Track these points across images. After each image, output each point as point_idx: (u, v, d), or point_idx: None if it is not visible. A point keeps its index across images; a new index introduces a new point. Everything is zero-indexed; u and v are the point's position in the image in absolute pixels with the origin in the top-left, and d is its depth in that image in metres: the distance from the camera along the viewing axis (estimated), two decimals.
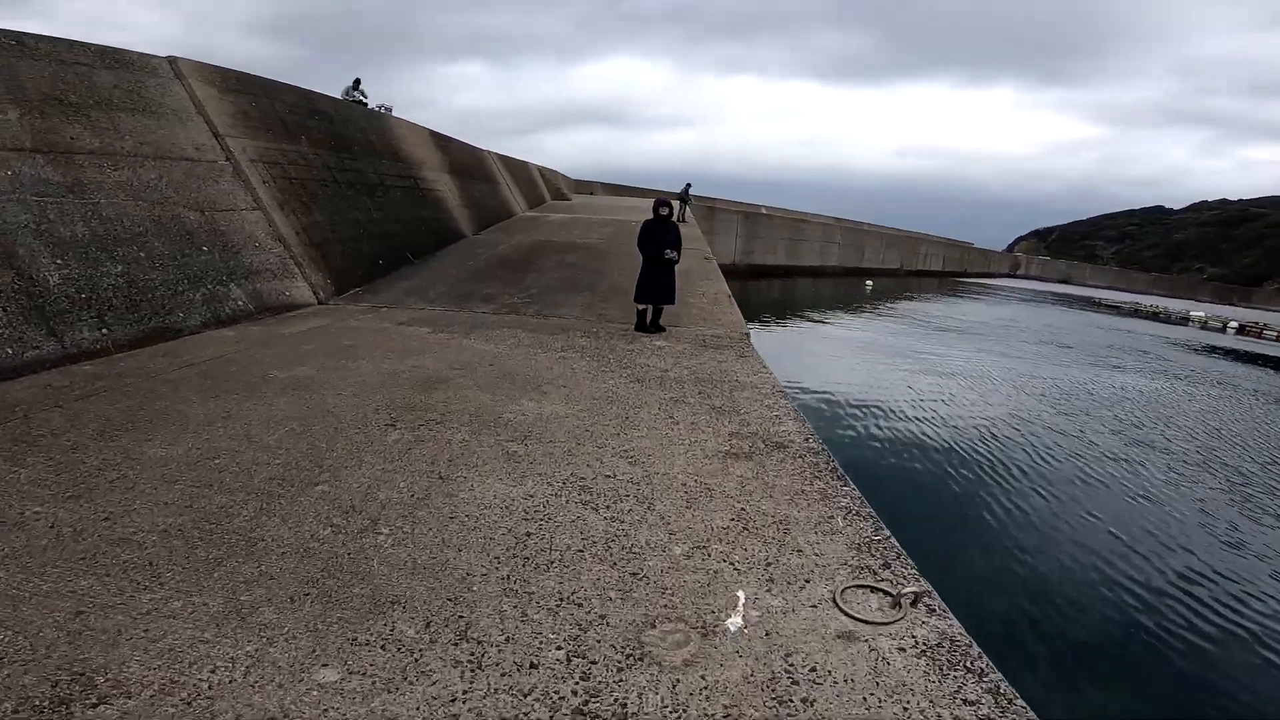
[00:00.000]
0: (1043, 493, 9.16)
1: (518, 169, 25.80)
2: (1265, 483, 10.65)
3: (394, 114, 15.74)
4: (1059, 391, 15.13)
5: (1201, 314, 48.02)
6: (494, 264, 11.19)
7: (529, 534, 2.97)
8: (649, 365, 5.81)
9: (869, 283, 38.50)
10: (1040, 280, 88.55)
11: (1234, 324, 44.38)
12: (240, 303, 7.20)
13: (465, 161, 18.36)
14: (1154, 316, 48.42)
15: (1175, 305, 57.76)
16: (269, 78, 10.02)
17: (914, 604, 2.62)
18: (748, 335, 7.53)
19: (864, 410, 12.16)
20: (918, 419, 11.95)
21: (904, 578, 2.78)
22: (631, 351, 6.31)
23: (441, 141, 17.01)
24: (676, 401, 4.78)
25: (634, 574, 2.71)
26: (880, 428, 11.34)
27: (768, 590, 2.64)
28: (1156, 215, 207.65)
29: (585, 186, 43.67)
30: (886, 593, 2.67)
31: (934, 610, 2.59)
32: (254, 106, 9.23)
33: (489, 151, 22.64)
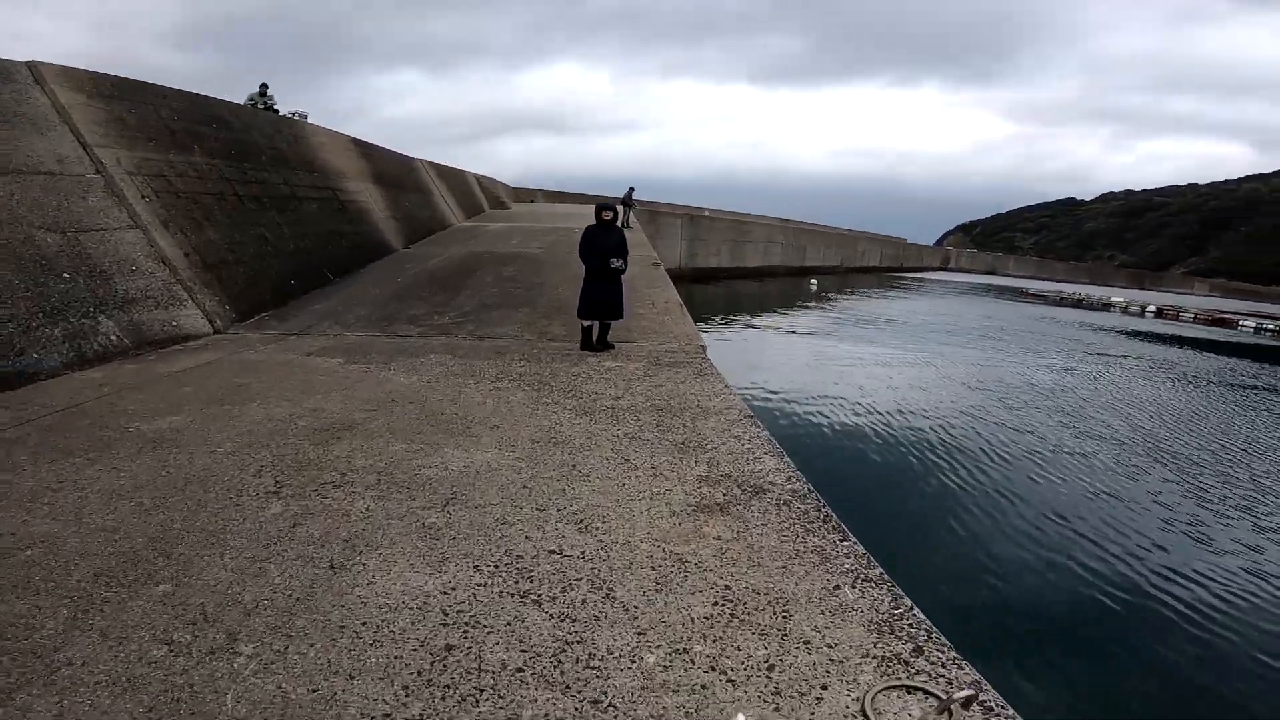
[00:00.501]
0: (1023, 491, 8.94)
1: (453, 178, 24.67)
2: (1210, 467, 10.78)
3: (310, 121, 14.53)
4: (1006, 386, 15.22)
5: (1121, 299, 50.61)
6: (424, 280, 10.25)
7: (449, 647, 2.21)
8: (598, 392, 5.09)
9: (813, 281, 38.82)
10: (969, 272, 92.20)
11: (1152, 308, 46.87)
12: (113, 337, 6.11)
13: (393, 171, 17.23)
14: (1077, 304, 50.65)
15: (1095, 292, 60.84)
16: (154, 82, 8.85)
17: (966, 707, 1.99)
18: (703, 349, 6.91)
19: (825, 415, 11.80)
20: (877, 419, 11.66)
21: (943, 666, 2.16)
22: (577, 376, 5.58)
23: (365, 150, 15.86)
24: (632, 439, 4.08)
25: (595, 702, 1.99)
26: (841, 430, 10.98)
27: (775, 708, 1.97)
28: (1068, 206, 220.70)
29: (526, 195, 42.59)
30: (929, 693, 2.04)
31: (993, 712, 1.98)
32: (132, 114, 8.07)
33: (421, 160, 21.48)
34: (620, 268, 6.31)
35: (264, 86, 14.78)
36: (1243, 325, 41.33)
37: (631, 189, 20.26)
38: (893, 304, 34.76)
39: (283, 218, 9.92)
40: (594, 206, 6.59)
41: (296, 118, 14.50)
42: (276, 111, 14.32)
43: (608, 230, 6.38)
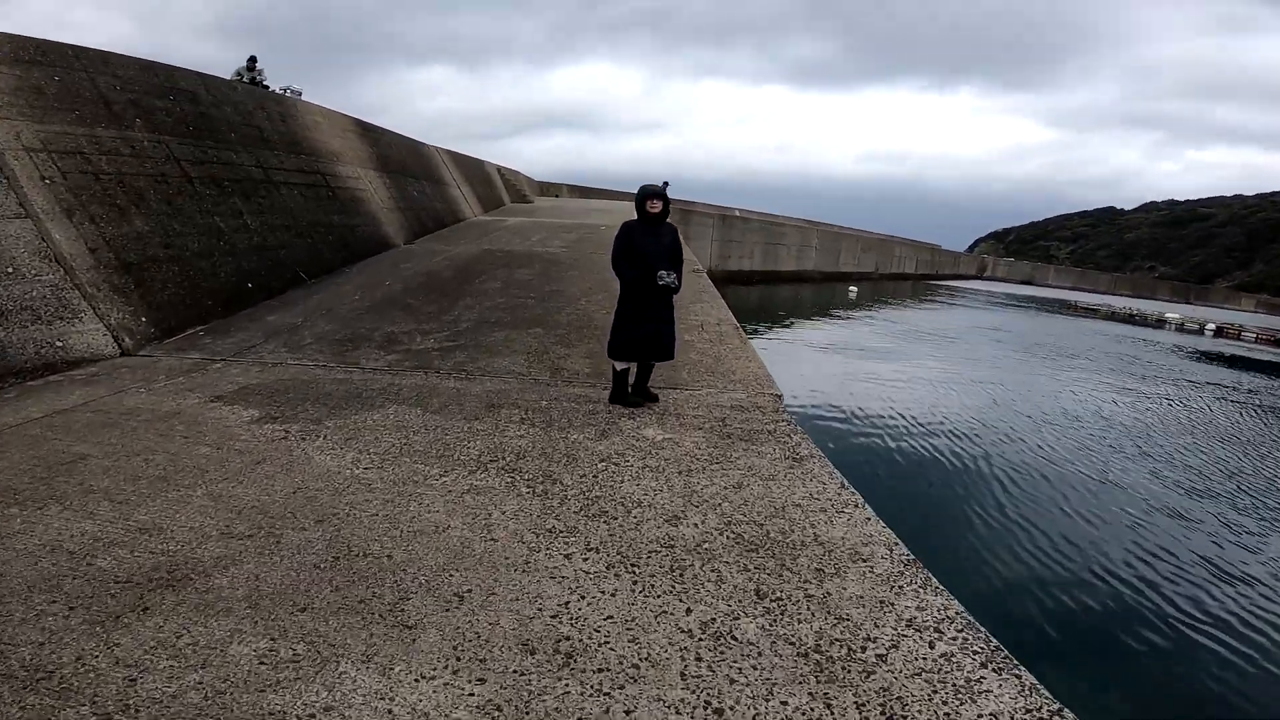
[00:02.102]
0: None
1: (471, 168, 22.91)
2: None
3: (305, 99, 12.80)
4: (1111, 419, 13.00)
5: (1176, 316, 47.37)
6: (418, 284, 8.38)
7: None
8: (642, 502, 3.12)
9: (853, 288, 36.43)
10: (1006, 281, 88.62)
11: (1211, 325, 43.71)
12: None
13: (401, 157, 15.45)
14: (1129, 319, 47.57)
15: (1142, 305, 57.48)
16: (97, 48, 7.10)
17: None
18: (779, 398, 4.93)
19: (923, 450, 9.77)
20: (988, 457, 9.60)
21: None
22: (607, 461, 3.62)
23: (369, 132, 14.09)
24: (719, 640, 2.10)
25: None
26: (948, 472, 8.96)
27: None
28: (1108, 216, 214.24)
29: (550, 189, 40.81)
30: None
31: None
32: (54, 81, 6.30)
33: (437, 147, 19.74)
34: (673, 284, 4.36)
35: (252, 60, 13.09)
36: None
37: (666, 183, 18.23)
38: (939, 315, 32.33)
39: (248, 205, 8.12)
40: (635, 194, 4.55)
41: (289, 94, 12.77)
42: (265, 87, 12.61)
43: (655, 228, 4.44)
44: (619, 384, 4.55)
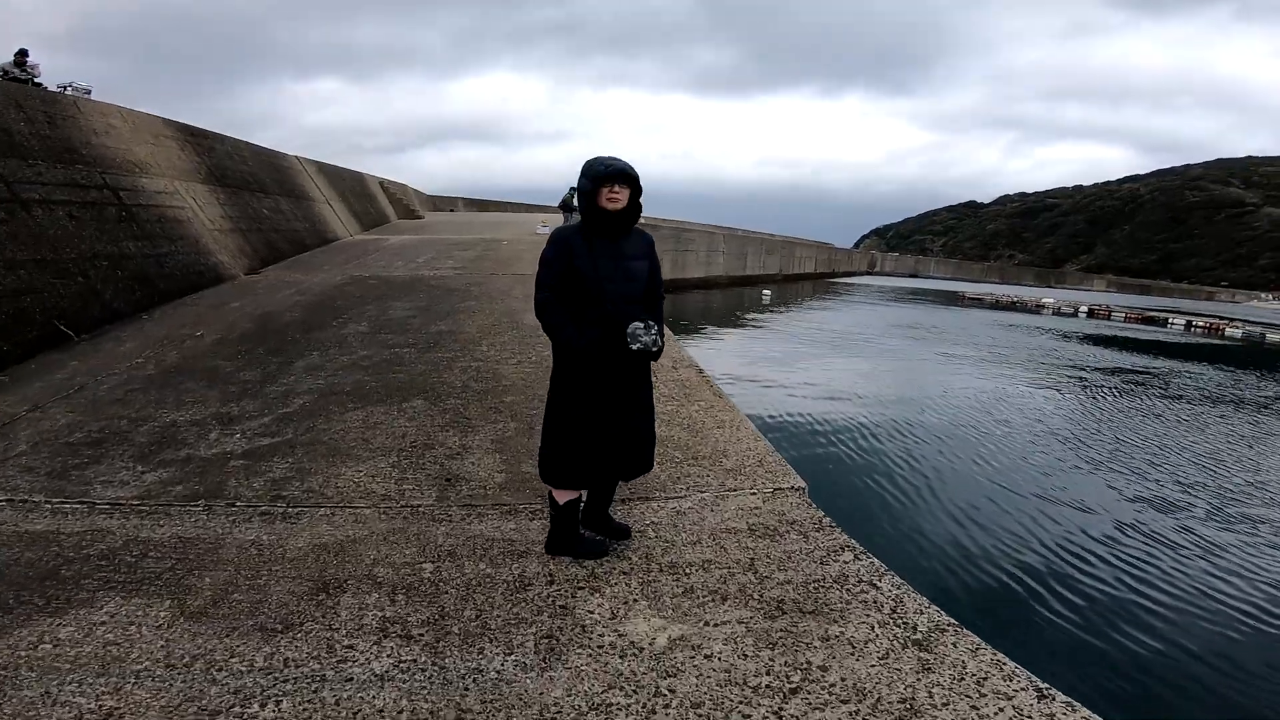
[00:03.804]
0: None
1: (345, 181, 19.95)
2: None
3: (95, 98, 9.85)
4: (1066, 413, 12.35)
5: (1052, 300, 50.82)
6: (240, 334, 5.97)
7: None
8: None
9: (766, 292, 35.87)
10: (894, 275, 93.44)
11: (1084, 308, 47.06)
12: None
13: (244, 169, 12.59)
14: (1012, 306, 50.52)
15: (1018, 291, 61.75)
16: None
17: None
18: (803, 490, 3.17)
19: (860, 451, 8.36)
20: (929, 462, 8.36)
21: None
22: None
23: (197, 138, 11.22)
24: None
25: None
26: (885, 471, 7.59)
27: None
28: (971, 209, 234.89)
29: (445, 203, 37.74)
30: None
31: None
32: None
33: (300, 157, 16.77)
34: (654, 346, 2.42)
35: (21, 54, 9.98)
36: (1172, 324, 41.81)
37: (573, 189, 16.39)
38: (854, 315, 32.35)
39: None
40: (580, 178, 2.44)
41: (71, 93, 9.77)
42: (37, 85, 9.57)
43: (616, 240, 2.46)
44: (564, 523, 2.56)
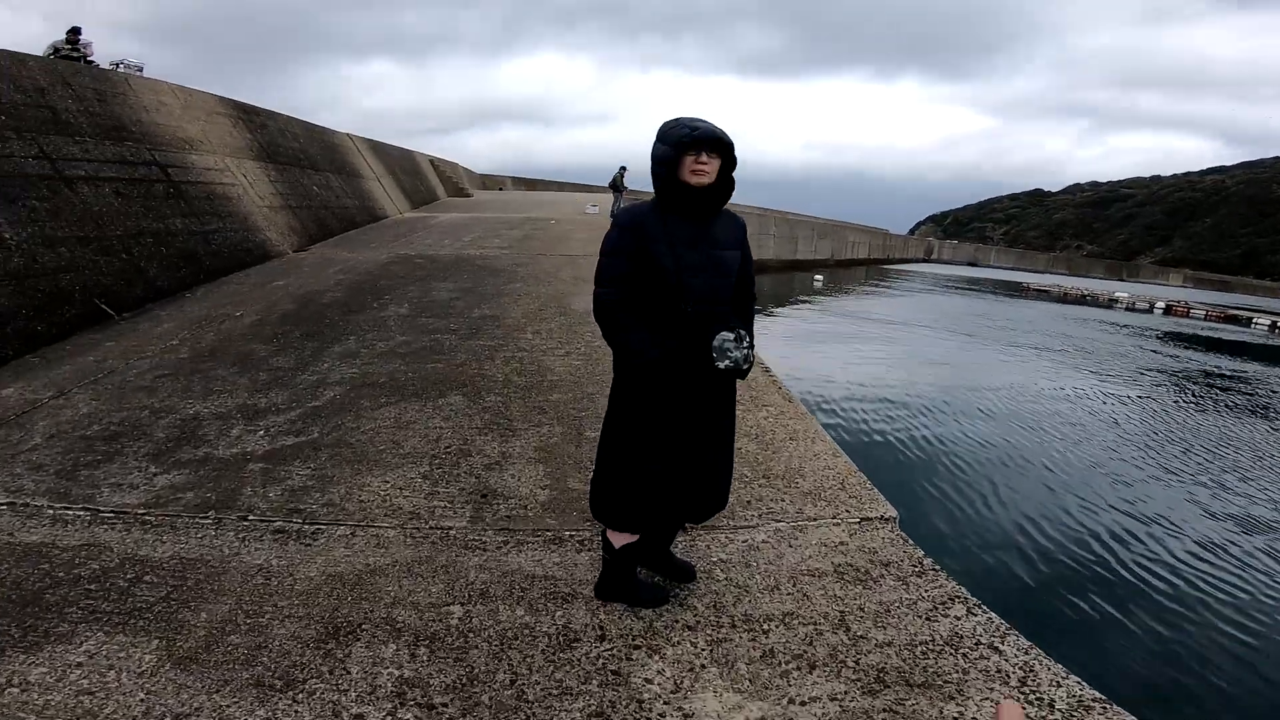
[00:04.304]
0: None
1: (395, 159, 19.93)
2: None
3: (147, 76, 9.82)
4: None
5: (1126, 295, 47.82)
6: (279, 315, 5.73)
7: None
8: None
9: (818, 277, 34.64)
10: (951, 263, 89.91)
11: (1160, 304, 44.20)
12: None
13: (296, 145, 12.52)
14: (1081, 300, 47.83)
15: (1089, 284, 58.45)
16: None
17: None
18: (895, 521, 2.66)
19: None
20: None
21: None
22: None
23: (249, 115, 11.16)
24: None
25: None
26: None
27: None
28: (1036, 198, 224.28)
29: (493, 181, 37.70)
30: None
31: None
32: None
33: (352, 135, 16.75)
34: (744, 361, 1.88)
35: (74, 32, 9.98)
36: (1257, 324, 38.81)
37: (623, 169, 15.85)
38: (923, 302, 31.00)
39: (6, 212, 5.31)
40: (658, 140, 1.88)
41: (121, 70, 9.74)
42: (90, 63, 9.58)
43: (703, 221, 1.92)
44: (620, 569, 2.11)
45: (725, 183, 1.92)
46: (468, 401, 3.83)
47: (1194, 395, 14.66)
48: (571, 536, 2.55)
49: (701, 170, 1.84)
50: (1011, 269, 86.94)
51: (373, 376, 4.23)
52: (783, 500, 2.83)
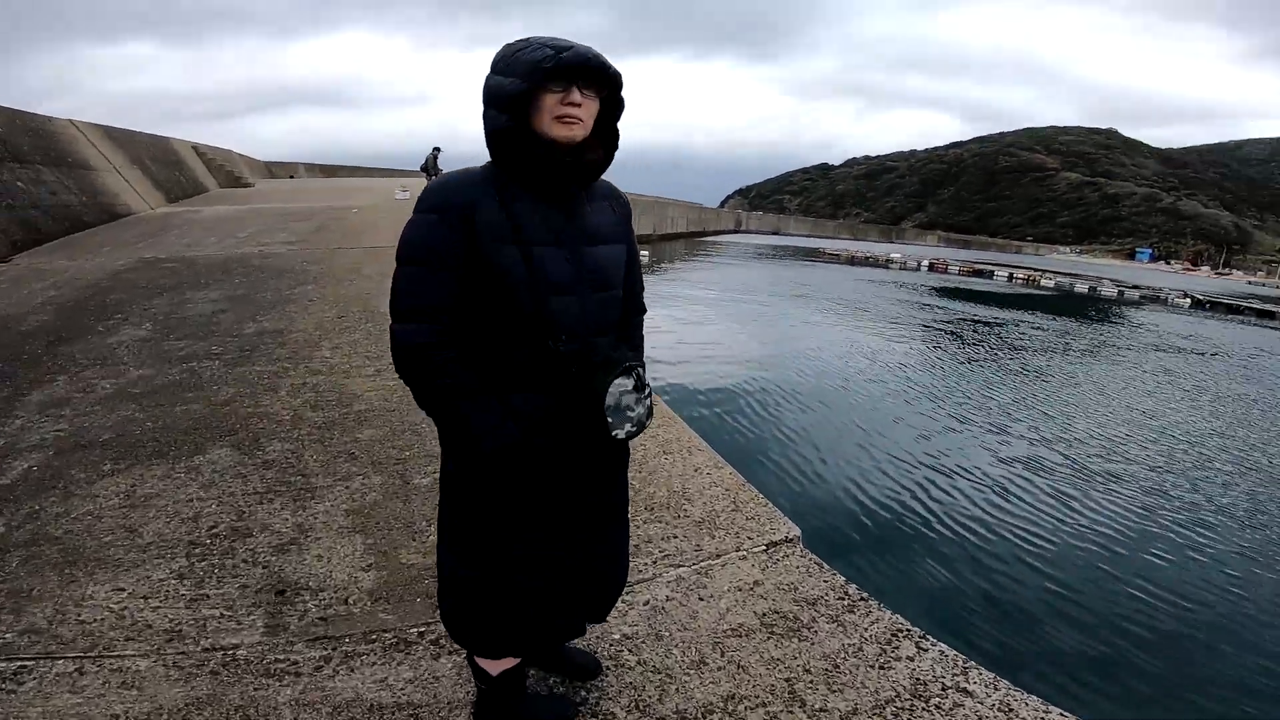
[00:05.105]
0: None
1: (145, 146, 16.40)
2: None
3: None
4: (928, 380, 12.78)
5: (899, 255, 55.04)
6: None
7: None
8: None
9: (644, 252, 35.24)
10: (758, 233, 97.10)
11: (925, 262, 51.37)
12: None
13: None
14: (865, 262, 54.09)
15: (869, 248, 66.45)
16: None
17: None
18: (797, 541, 2.35)
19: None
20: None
21: None
22: None
23: None
24: None
25: None
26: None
27: None
28: (823, 171, 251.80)
29: (284, 169, 33.01)
30: None
31: None
32: None
33: (73, 121, 13.35)
34: (646, 418, 1.29)
35: None
36: (997, 275, 47.02)
37: (437, 150, 14.33)
38: (737, 273, 32.66)
39: None
40: (499, 62, 1.20)
41: None
42: None
43: (564, 199, 1.26)
44: (501, 696, 1.46)
45: (608, 139, 1.30)
46: (240, 456, 2.88)
47: (964, 343, 17.00)
48: (421, 635, 1.87)
49: (573, 116, 1.19)
50: (808, 236, 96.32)
51: (91, 433, 3.06)
52: (675, 537, 2.37)
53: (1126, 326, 25.47)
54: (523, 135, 1.19)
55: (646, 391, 1.27)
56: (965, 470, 7.37)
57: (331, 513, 2.48)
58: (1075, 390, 12.58)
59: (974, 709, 1.67)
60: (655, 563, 2.21)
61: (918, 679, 1.76)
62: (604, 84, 1.22)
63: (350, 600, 2.02)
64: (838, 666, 1.79)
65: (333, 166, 36.18)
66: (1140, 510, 6.68)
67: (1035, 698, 1.73)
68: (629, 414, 1.24)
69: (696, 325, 14.14)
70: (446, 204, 1.19)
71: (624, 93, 1.27)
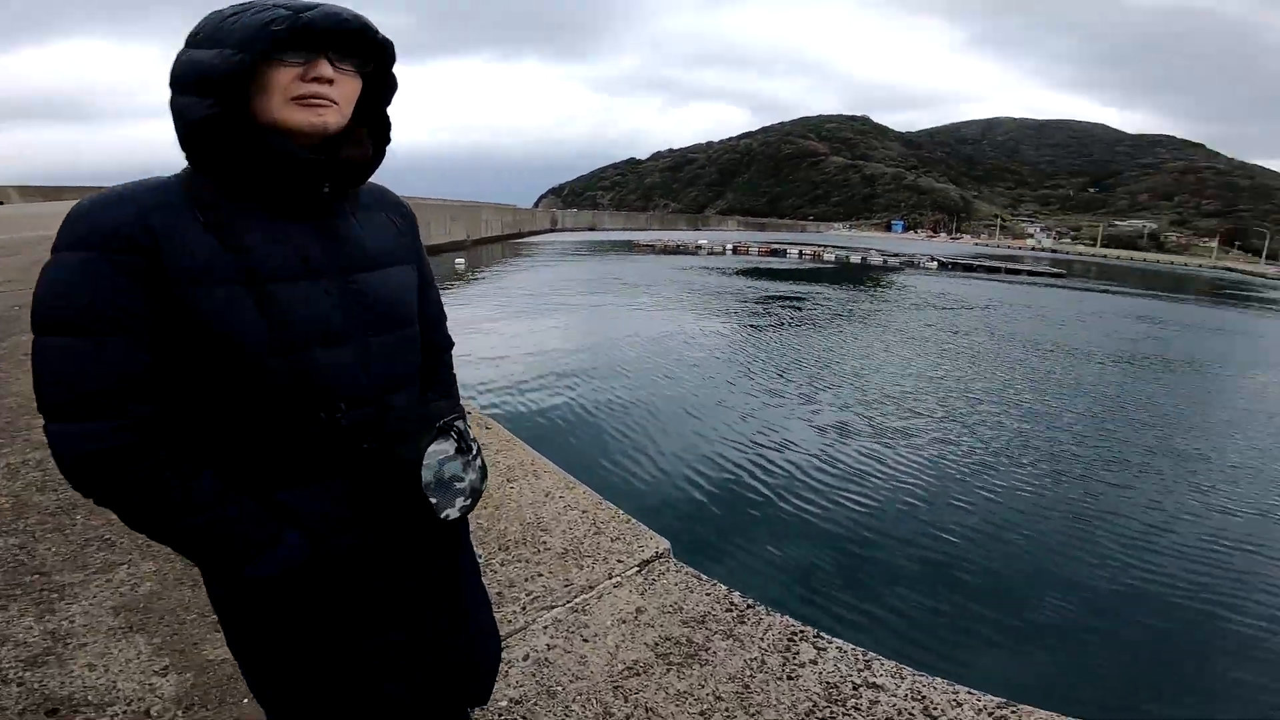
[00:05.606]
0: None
1: None
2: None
3: None
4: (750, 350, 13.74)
5: (705, 242, 58.83)
6: None
7: None
8: None
9: (459, 260, 33.62)
10: (574, 231, 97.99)
11: (729, 246, 55.48)
12: None
13: None
14: (677, 251, 57.05)
15: (674, 236, 70.28)
16: None
17: None
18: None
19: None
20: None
21: None
22: None
23: None
24: None
25: None
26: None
27: None
28: (632, 165, 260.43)
29: None
30: None
31: None
32: None
33: None
34: (480, 482, 0.97)
35: None
36: (789, 254, 52.41)
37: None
38: (559, 271, 32.45)
39: None
40: (187, 54, 0.81)
41: None
42: None
43: (310, 214, 0.88)
44: None
45: (378, 128, 0.96)
46: None
47: (769, 319, 18.58)
48: None
49: (321, 96, 0.83)
50: (623, 229, 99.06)
51: None
52: (540, 575, 2.20)
53: (894, 290, 29.65)
54: (239, 125, 0.81)
55: (474, 451, 0.98)
56: (791, 444, 7.99)
57: (93, 613, 1.98)
58: (864, 352, 14.32)
59: (890, 703, 1.70)
60: (525, 609, 2.04)
61: (827, 682, 1.77)
62: (367, 55, 0.88)
63: (153, 712, 1.62)
64: (748, 687, 1.75)
65: (59, 188, 30.01)
66: (933, 459, 7.72)
67: (940, 679, 1.80)
68: (457, 485, 0.94)
69: (520, 336, 13.84)
70: (110, 233, 0.78)
71: (396, 68, 0.94)
